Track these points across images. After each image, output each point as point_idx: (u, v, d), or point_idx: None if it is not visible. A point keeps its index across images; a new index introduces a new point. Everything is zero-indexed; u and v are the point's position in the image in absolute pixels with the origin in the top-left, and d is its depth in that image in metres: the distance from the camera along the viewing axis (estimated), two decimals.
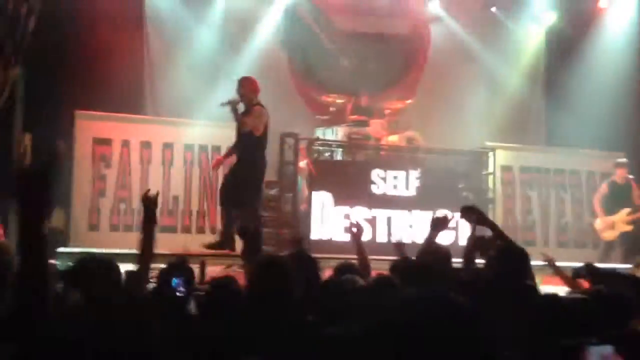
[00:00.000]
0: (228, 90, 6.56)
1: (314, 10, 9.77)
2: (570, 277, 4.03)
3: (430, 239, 3.90)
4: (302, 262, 3.25)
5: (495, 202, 8.18)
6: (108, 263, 2.83)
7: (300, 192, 7.30)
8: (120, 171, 7.23)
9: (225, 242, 6.07)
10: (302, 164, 7.31)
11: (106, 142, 7.27)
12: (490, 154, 8.28)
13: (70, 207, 6.98)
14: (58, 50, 7.46)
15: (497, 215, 8.10)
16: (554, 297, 2.87)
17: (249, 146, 6.26)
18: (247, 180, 6.22)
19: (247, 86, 6.35)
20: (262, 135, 6.28)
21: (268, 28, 9.35)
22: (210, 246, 6.16)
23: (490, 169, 8.28)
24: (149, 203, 3.13)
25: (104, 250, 5.46)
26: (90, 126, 7.29)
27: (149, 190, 3.50)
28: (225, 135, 6.90)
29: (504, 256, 3.28)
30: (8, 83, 6.47)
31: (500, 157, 8.34)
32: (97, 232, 7.11)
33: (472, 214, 3.69)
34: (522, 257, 3.28)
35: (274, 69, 9.05)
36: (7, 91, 6.50)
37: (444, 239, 7.51)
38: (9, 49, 6.34)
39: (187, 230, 7.39)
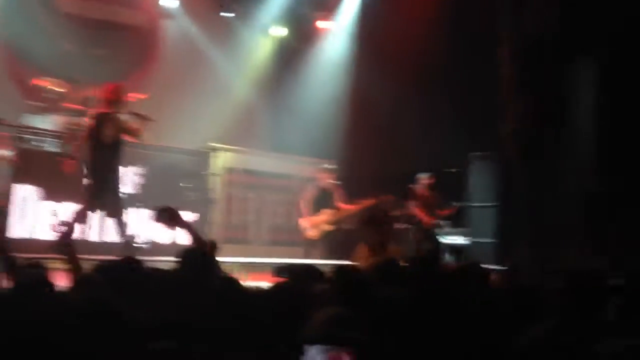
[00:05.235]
0: None
1: None
2: None
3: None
4: None
5: (216, 203, 8.35)
6: None
7: None
8: None
9: None
10: (3, 152, 6.58)
11: None
12: (213, 154, 8.44)
13: None
14: None
15: (216, 215, 8.30)
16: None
17: None
18: None
19: None
20: None
21: None
22: None
23: (213, 170, 8.43)
24: None
25: None
26: None
27: None
28: None
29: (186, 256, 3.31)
30: None
31: (223, 159, 8.54)
32: None
33: (167, 216, 3.57)
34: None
35: None
36: None
37: (166, 237, 7.54)
38: None
39: None
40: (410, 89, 9.25)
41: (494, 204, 8.69)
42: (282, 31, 10.82)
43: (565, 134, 8.51)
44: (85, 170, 6.11)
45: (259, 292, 3.34)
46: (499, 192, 8.65)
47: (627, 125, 7.70)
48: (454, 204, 8.64)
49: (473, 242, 8.77)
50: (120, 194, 6.15)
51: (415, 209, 8.36)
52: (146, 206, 7.44)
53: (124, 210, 6.13)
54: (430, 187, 8.41)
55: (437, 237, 8.51)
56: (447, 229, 8.77)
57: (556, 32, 8.16)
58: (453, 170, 8.62)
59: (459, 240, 8.84)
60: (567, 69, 8.48)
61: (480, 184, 8.83)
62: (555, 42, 8.22)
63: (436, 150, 8.94)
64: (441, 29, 9.17)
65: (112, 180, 6.04)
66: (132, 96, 9.45)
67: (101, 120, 6.03)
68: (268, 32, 10.81)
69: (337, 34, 10.83)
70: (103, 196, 5.98)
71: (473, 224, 8.82)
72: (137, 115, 6.18)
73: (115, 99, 6.11)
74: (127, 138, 6.17)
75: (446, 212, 8.48)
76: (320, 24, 10.79)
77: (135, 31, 9.92)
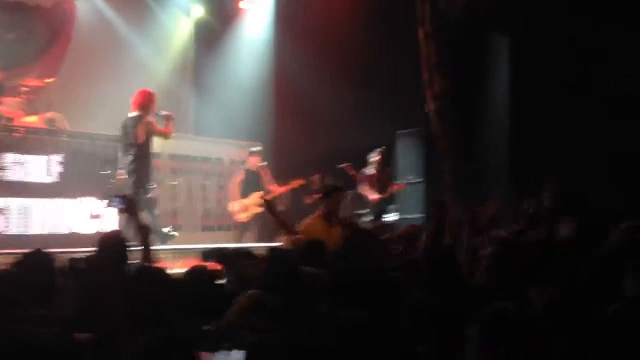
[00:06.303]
0: None
1: None
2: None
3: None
4: None
5: None
6: None
7: None
8: None
9: None
10: None
11: None
12: None
13: None
14: None
15: None
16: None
17: None
18: None
19: None
20: None
21: None
22: None
23: None
24: None
25: None
26: None
27: None
28: None
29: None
30: None
31: None
32: None
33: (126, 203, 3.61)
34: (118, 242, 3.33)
35: None
36: None
37: (89, 227, 7.24)
38: None
39: None
40: (335, 69, 9.25)
41: (421, 179, 8.85)
42: (202, 12, 10.53)
43: (484, 109, 8.78)
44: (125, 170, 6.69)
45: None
46: (426, 168, 8.82)
47: (540, 99, 8.04)
48: (409, 178, 8.64)
49: (401, 218, 8.92)
50: (142, 193, 6.53)
51: (364, 190, 8.33)
52: (68, 196, 7.17)
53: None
54: (380, 163, 8.36)
55: (381, 216, 8.51)
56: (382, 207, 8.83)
57: (471, 11, 8.36)
58: (380, 148, 8.68)
59: (392, 217, 8.97)
60: (483, 46, 8.73)
61: (407, 161, 8.97)
62: (470, 21, 8.43)
63: (363, 128, 9.00)
64: (363, 10, 9.20)
65: (140, 178, 6.55)
66: (43, 81, 9.02)
67: (133, 122, 6.62)
68: (187, 12, 10.49)
69: (258, 15, 10.65)
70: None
71: (401, 200, 8.97)
72: (163, 116, 6.81)
73: (145, 104, 6.73)
74: (156, 139, 6.79)
75: (400, 186, 8.46)
76: (241, 4, 10.57)
77: (45, 13, 9.39)
